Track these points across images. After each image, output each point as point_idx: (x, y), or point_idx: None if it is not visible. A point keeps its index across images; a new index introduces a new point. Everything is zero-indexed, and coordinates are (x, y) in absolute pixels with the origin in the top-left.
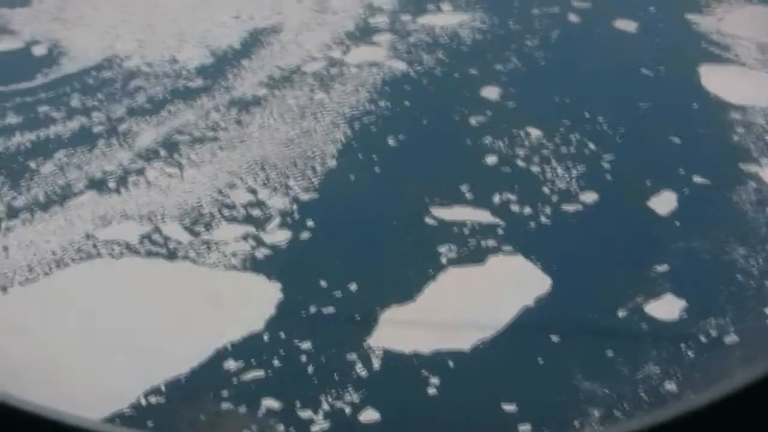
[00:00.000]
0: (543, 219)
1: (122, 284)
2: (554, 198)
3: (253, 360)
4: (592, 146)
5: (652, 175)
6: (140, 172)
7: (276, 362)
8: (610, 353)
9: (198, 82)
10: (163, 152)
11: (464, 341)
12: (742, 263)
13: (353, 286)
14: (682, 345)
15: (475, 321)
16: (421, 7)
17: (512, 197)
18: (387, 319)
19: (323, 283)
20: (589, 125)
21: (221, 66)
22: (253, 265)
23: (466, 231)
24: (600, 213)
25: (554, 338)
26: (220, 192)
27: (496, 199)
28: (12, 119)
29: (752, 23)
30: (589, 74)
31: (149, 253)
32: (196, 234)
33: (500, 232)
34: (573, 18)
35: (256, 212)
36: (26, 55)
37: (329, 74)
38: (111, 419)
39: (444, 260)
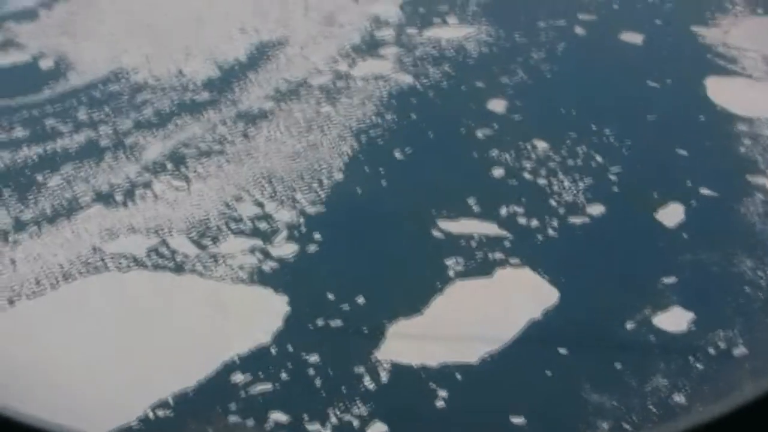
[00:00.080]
0: (550, 231)
1: (129, 297)
2: (561, 210)
3: (260, 373)
4: (598, 158)
5: (659, 187)
6: (147, 185)
7: (284, 375)
8: (618, 365)
9: (204, 96)
10: (170, 165)
11: (472, 354)
12: (750, 275)
13: (360, 299)
14: (691, 357)
15: (483, 333)
16: (427, 21)
17: (519, 210)
18: (394, 332)
19: (330, 296)
20: (595, 137)
21: (228, 79)
22: (260, 278)
23: (474, 244)
24: (607, 225)
25: (562, 350)
26: (227, 205)
27: (503, 211)
28: (19, 132)
29: (758, 35)
30: (596, 87)
31: (156, 267)
32: (203, 247)
33: (507, 244)
34: (579, 31)
35: (263, 225)
36: (33, 69)
37: (336, 87)
38: None
39: (451, 273)
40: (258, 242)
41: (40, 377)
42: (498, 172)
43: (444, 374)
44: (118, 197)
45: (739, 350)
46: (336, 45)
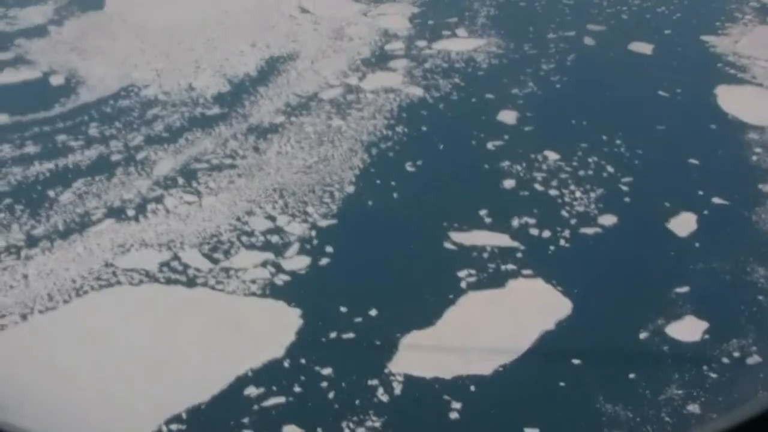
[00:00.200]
0: (562, 242)
1: (142, 312)
2: (573, 221)
3: (274, 387)
4: (610, 169)
5: (671, 196)
6: (159, 200)
7: (297, 388)
8: (631, 376)
9: (215, 110)
10: (181, 180)
11: (485, 365)
12: (763, 283)
13: (373, 312)
14: (705, 367)
15: (496, 345)
16: (437, 33)
17: (531, 221)
18: (407, 345)
19: (343, 309)
20: (606, 148)
21: (238, 94)
22: (272, 291)
23: (486, 255)
24: (619, 235)
25: (575, 361)
26: (238, 219)
27: (515, 223)
28: (30, 149)
29: None
30: (606, 97)
31: (169, 281)
32: (215, 261)
33: (519, 255)
34: (588, 41)
35: (274, 239)
36: (44, 85)
37: (346, 101)
38: None
39: (464, 285)
40: (270, 256)
41: (52, 392)
42: (509, 183)
43: (457, 386)
44: (130, 212)
45: (753, 359)
46: (346, 59)
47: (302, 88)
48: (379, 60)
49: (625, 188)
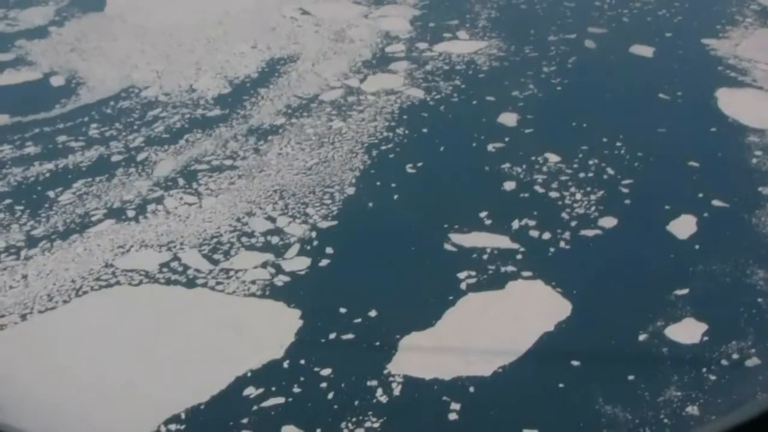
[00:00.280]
0: (562, 244)
1: (141, 313)
2: (573, 223)
3: (273, 387)
4: (610, 171)
5: (671, 199)
6: (159, 200)
7: (296, 389)
8: (631, 377)
9: (216, 112)
10: (181, 181)
11: (485, 367)
12: (763, 286)
13: (373, 313)
14: (704, 369)
15: (496, 346)
16: (438, 36)
17: (531, 223)
18: (407, 346)
19: (343, 310)
20: (607, 150)
21: (239, 95)
22: (272, 292)
23: (486, 257)
24: (619, 237)
25: (575, 363)
26: (238, 220)
27: (515, 224)
28: (31, 149)
29: None
30: (607, 99)
31: (168, 282)
32: (215, 262)
33: (519, 257)
34: (589, 44)
35: (275, 240)
36: (45, 86)
37: (347, 102)
38: None
39: (463, 286)
40: (270, 257)
41: (52, 392)
42: (510, 185)
43: (457, 387)
44: (130, 213)
45: (752, 361)
46: (347, 61)
47: (303, 90)
48: (380, 62)
49: (625, 190)
